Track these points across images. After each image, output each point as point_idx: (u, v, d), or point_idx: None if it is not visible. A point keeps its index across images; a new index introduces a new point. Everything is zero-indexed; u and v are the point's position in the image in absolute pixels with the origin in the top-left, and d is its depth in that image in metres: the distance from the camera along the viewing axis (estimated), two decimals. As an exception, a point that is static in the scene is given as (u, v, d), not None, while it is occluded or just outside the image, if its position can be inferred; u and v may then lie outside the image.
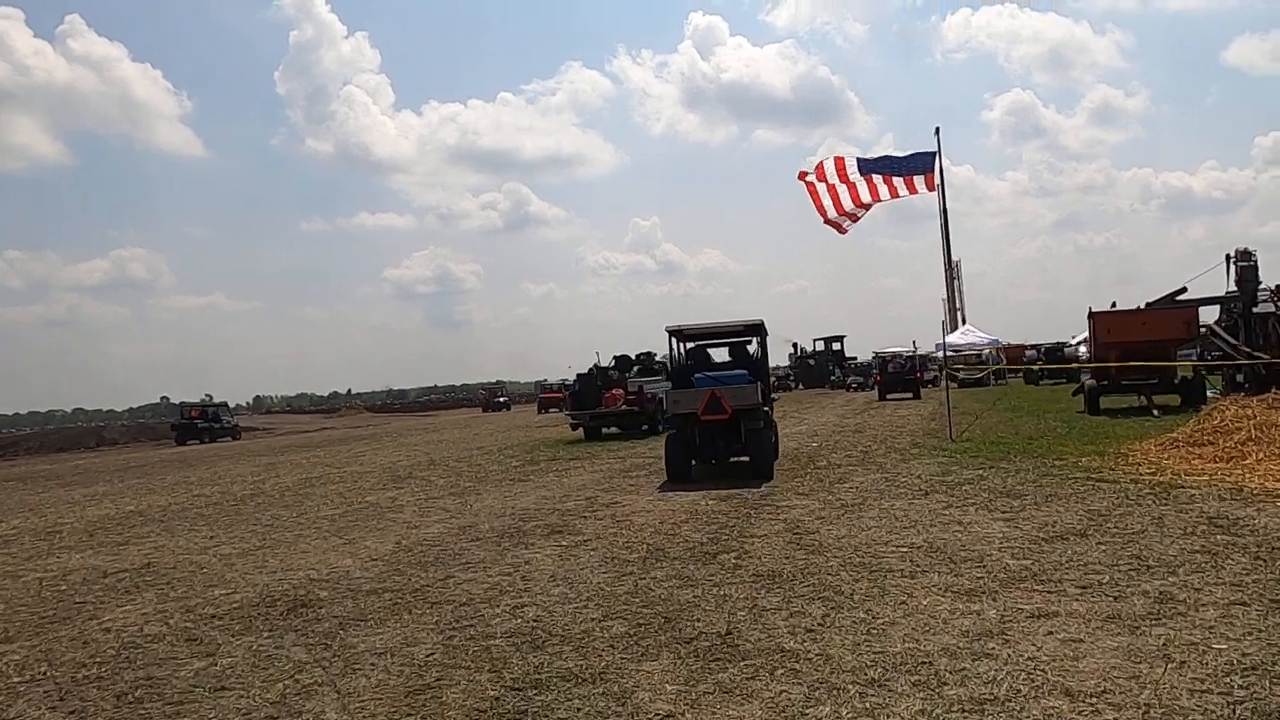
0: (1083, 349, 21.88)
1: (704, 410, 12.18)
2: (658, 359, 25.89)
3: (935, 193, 28.52)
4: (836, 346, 68.03)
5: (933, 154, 28.48)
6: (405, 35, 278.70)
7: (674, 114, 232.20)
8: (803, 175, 27.47)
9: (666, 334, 13.84)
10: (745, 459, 13.06)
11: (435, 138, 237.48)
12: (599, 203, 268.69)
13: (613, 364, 25.65)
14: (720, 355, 15.08)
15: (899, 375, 38.94)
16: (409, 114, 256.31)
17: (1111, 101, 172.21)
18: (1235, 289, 21.67)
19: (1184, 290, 21.79)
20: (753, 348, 14.75)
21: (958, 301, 47.61)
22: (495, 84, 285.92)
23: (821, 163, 28.25)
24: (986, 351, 48.63)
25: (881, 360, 45.26)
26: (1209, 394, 19.25)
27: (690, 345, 14.44)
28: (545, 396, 55.54)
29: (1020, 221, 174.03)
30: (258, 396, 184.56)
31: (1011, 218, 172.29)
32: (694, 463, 13.00)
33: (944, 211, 37.27)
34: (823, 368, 64.19)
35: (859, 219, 27.87)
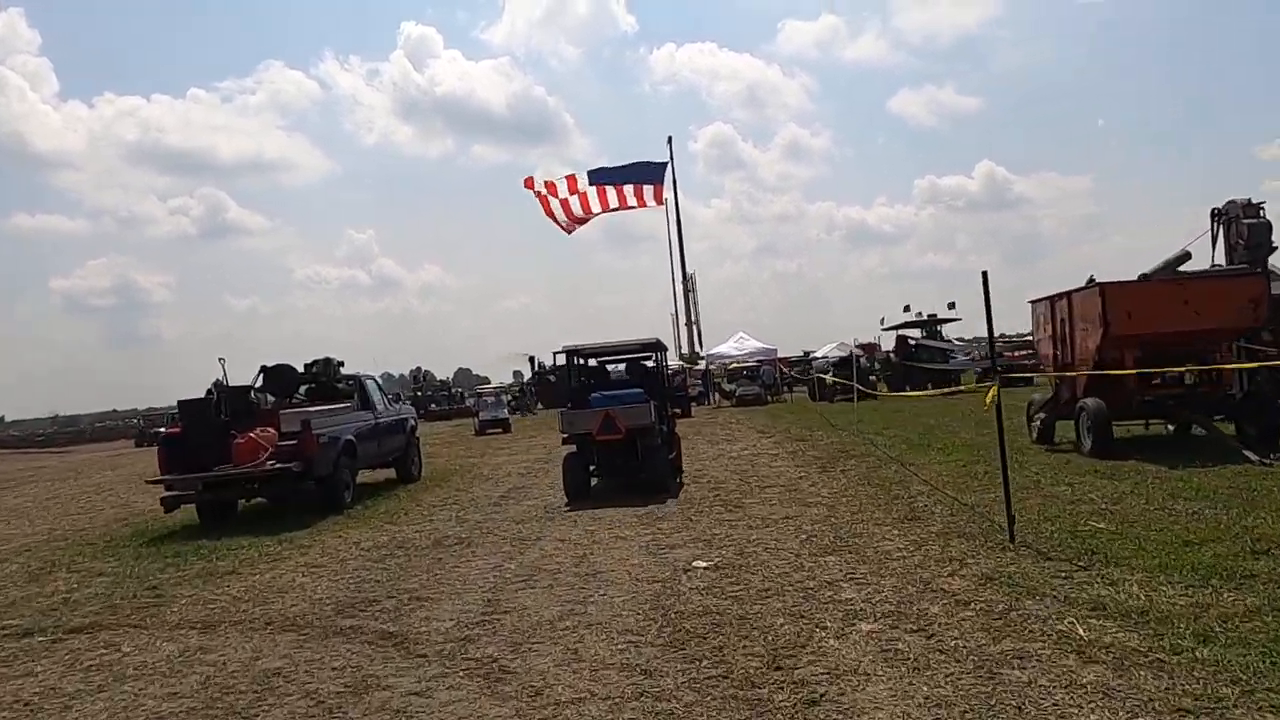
0: (1045, 348, 13.79)
1: (599, 430, 12.00)
2: (340, 371, 15.18)
3: (663, 207, 27.88)
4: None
5: (663, 164, 28.36)
6: (72, 16, 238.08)
7: (387, 124, 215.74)
8: (529, 182, 27.27)
9: (564, 354, 14.00)
10: (643, 477, 12.26)
11: (111, 133, 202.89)
12: (308, 212, 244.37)
13: (259, 382, 14.43)
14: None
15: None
16: (78, 104, 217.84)
17: (800, 140, 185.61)
18: (1232, 261, 14.60)
19: (1187, 257, 14.42)
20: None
21: (693, 315, 41.29)
22: (184, 78, 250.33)
23: (553, 182, 28.49)
24: (765, 367, 41.67)
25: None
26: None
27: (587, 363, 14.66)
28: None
29: (724, 247, 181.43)
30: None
31: (717, 242, 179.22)
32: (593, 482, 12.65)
33: (678, 223, 31.56)
34: (565, 383, 55.07)
35: (586, 222, 28.02)
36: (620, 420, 11.95)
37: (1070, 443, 13.98)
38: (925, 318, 38.77)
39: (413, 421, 16.76)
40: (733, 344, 43.29)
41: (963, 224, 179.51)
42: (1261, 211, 14.57)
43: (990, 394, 7.38)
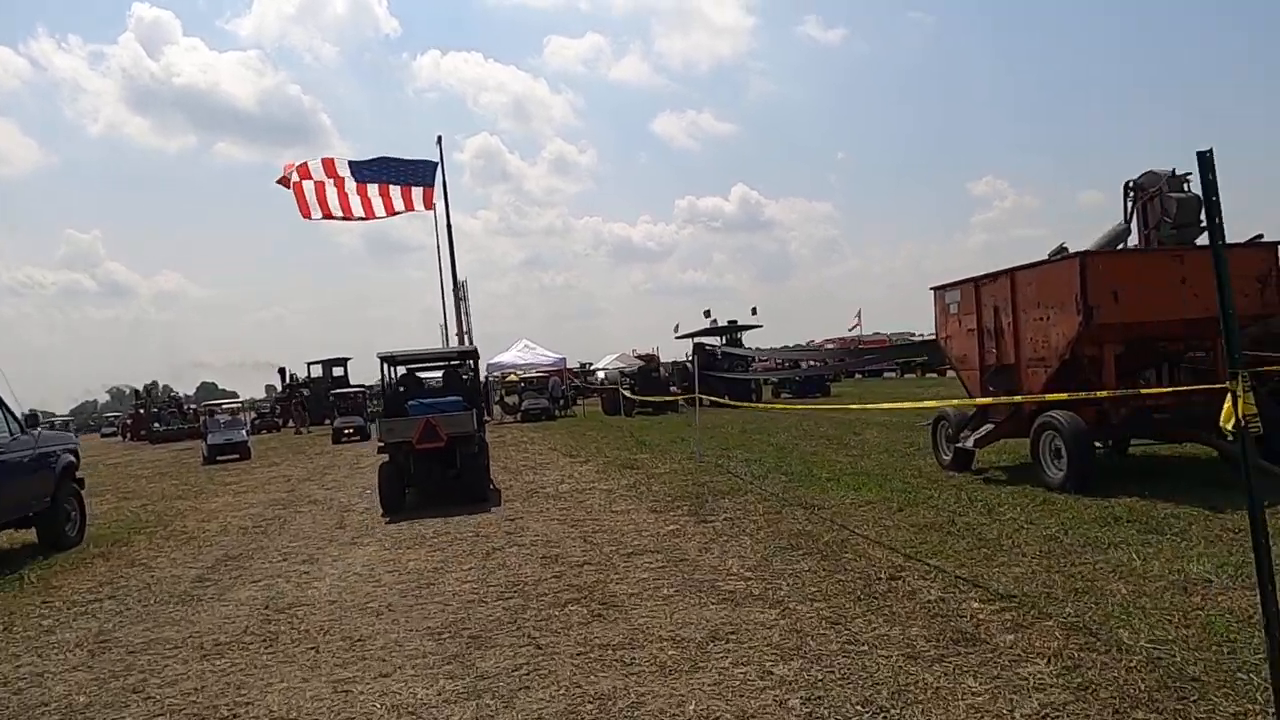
0: (961, 346, 10.47)
1: (419, 439, 11.47)
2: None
3: (432, 211, 25.92)
4: (339, 371, 51.91)
5: (434, 164, 25.61)
6: None
7: (116, 114, 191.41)
8: (284, 179, 24.23)
9: (382, 361, 13.44)
10: (460, 484, 11.91)
11: None
12: (18, 208, 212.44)
13: None
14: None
15: None
16: None
17: (567, 155, 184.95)
18: (1150, 243, 12.02)
19: (1126, 233, 11.63)
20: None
21: (464, 325, 36.78)
22: None
23: (306, 163, 25.06)
24: (553, 378, 37.45)
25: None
26: None
27: (402, 371, 14.58)
28: None
29: (492, 259, 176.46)
30: None
31: (485, 255, 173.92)
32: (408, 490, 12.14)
33: (449, 227, 27.78)
34: (320, 398, 47.83)
35: (344, 220, 25.59)
36: (442, 428, 11.58)
37: (1000, 469, 10.77)
38: (726, 324, 36.21)
39: (69, 458, 11.08)
40: (516, 353, 38.77)
41: (719, 243, 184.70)
42: (1187, 185, 12.10)
43: (1237, 407, 3.44)
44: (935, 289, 11.73)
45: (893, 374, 53.94)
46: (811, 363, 38.48)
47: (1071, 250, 9.52)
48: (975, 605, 5.29)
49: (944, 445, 11.22)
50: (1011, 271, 9.84)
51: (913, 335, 66.66)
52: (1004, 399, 9.33)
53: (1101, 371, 8.93)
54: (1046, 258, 9.76)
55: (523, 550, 8.26)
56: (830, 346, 56.90)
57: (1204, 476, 9.24)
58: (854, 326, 61.87)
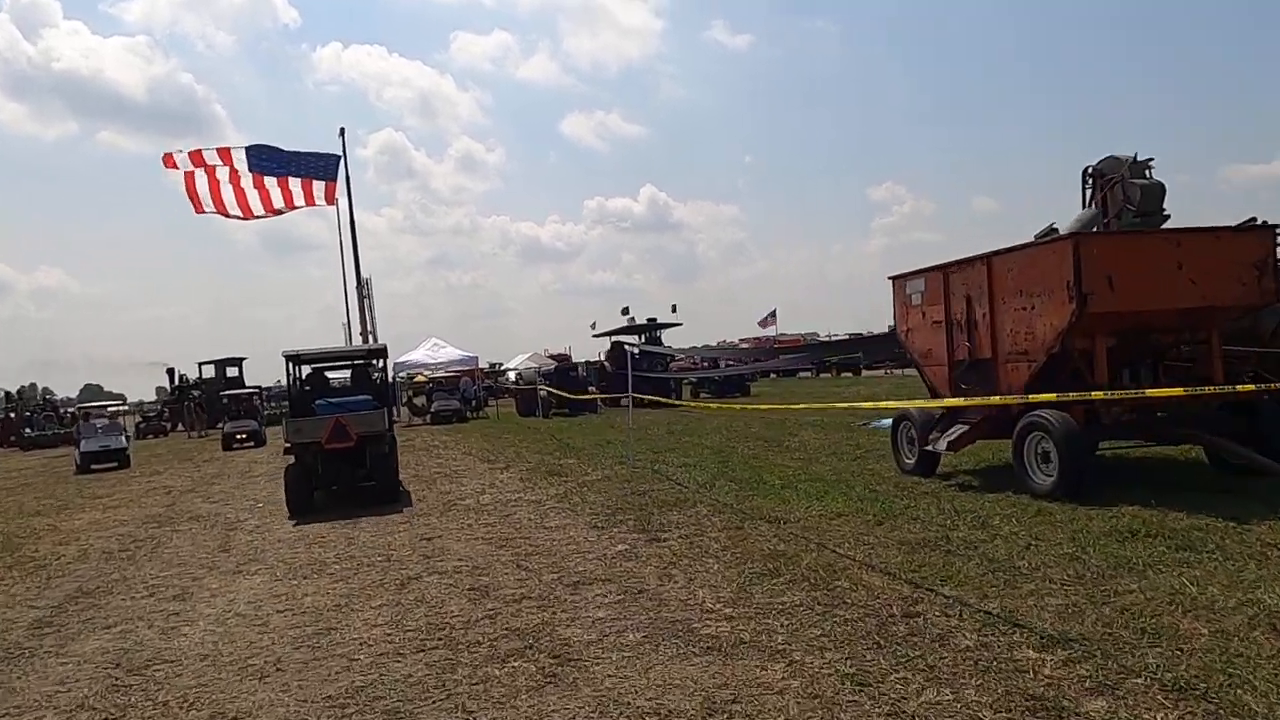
0: (925, 340, 9.54)
1: (329, 438, 11.19)
2: None
3: (335, 206, 25.18)
4: (233, 372, 48.72)
5: (337, 158, 24.85)
6: None
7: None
8: (170, 160, 23.39)
9: (287, 360, 12.95)
10: (370, 484, 11.71)
11: None
12: None
13: None
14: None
15: None
16: None
17: (474, 153, 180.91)
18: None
19: (1099, 217, 10.92)
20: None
21: (369, 324, 34.78)
22: None
23: (200, 150, 24.28)
24: (464, 379, 35.74)
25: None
26: None
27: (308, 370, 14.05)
28: None
29: (397, 257, 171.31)
30: None
31: (390, 253, 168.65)
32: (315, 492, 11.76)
33: (352, 223, 26.29)
34: (214, 401, 44.72)
35: (243, 219, 24.91)
36: (352, 427, 11.33)
37: (967, 474, 9.90)
38: (646, 322, 35.14)
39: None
40: (424, 351, 36.84)
41: (629, 244, 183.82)
42: (1149, 171, 11.49)
43: None
44: (895, 278, 10.81)
45: (808, 374, 53.76)
46: (729, 362, 37.77)
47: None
48: (1031, 654, 4.23)
49: (905, 448, 10.29)
50: (989, 257, 8.94)
51: (818, 336, 67.11)
52: (993, 399, 8.38)
53: (1093, 366, 8.08)
54: (1034, 239, 8.91)
55: (444, 580, 6.93)
56: (745, 345, 56.53)
57: (1189, 480, 8.54)
58: (768, 325, 61.64)
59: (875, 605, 5.24)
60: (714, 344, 62.07)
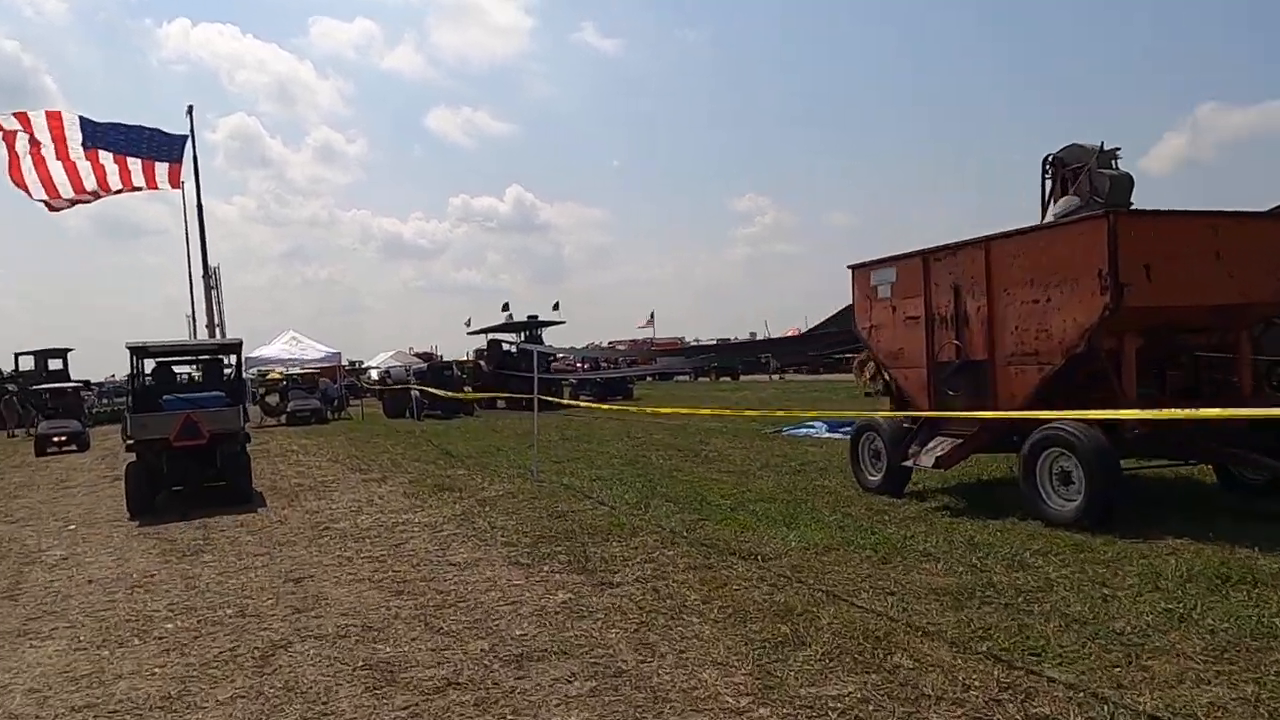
0: (894, 339, 8.14)
1: (177, 435, 10.75)
2: None
3: (180, 190, 23.32)
4: (57, 364, 43.52)
5: (184, 138, 22.91)
6: None
7: None
8: None
9: (131, 352, 12.21)
10: (221, 484, 11.39)
11: None
12: None
13: None
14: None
15: None
16: None
17: (334, 144, 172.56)
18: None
19: (1080, 206, 9.83)
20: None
21: (216, 317, 31.56)
22: None
23: (26, 113, 21.38)
24: (323, 379, 32.76)
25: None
26: None
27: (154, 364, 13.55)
28: None
29: (249, 248, 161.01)
30: None
31: (241, 243, 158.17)
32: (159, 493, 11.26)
33: (200, 207, 23.92)
34: (30, 396, 39.56)
35: (74, 204, 22.44)
36: (204, 424, 10.87)
37: (945, 493, 8.58)
38: (526, 319, 33.13)
39: None
40: (282, 346, 33.55)
41: (494, 243, 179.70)
42: (1116, 161, 10.57)
43: None
44: (855, 268, 9.44)
45: (685, 377, 52.85)
46: (607, 363, 36.23)
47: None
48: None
49: (869, 462, 8.89)
50: (986, 241, 7.63)
51: (685, 340, 66.57)
52: (1012, 414, 7.01)
53: (1121, 370, 6.85)
54: (1051, 220, 7.66)
55: (324, 649, 4.97)
56: (622, 348, 55.18)
57: (1204, 503, 7.45)
58: (644, 326, 60.61)
59: (973, 700, 3.68)
60: (587, 346, 60.59)
